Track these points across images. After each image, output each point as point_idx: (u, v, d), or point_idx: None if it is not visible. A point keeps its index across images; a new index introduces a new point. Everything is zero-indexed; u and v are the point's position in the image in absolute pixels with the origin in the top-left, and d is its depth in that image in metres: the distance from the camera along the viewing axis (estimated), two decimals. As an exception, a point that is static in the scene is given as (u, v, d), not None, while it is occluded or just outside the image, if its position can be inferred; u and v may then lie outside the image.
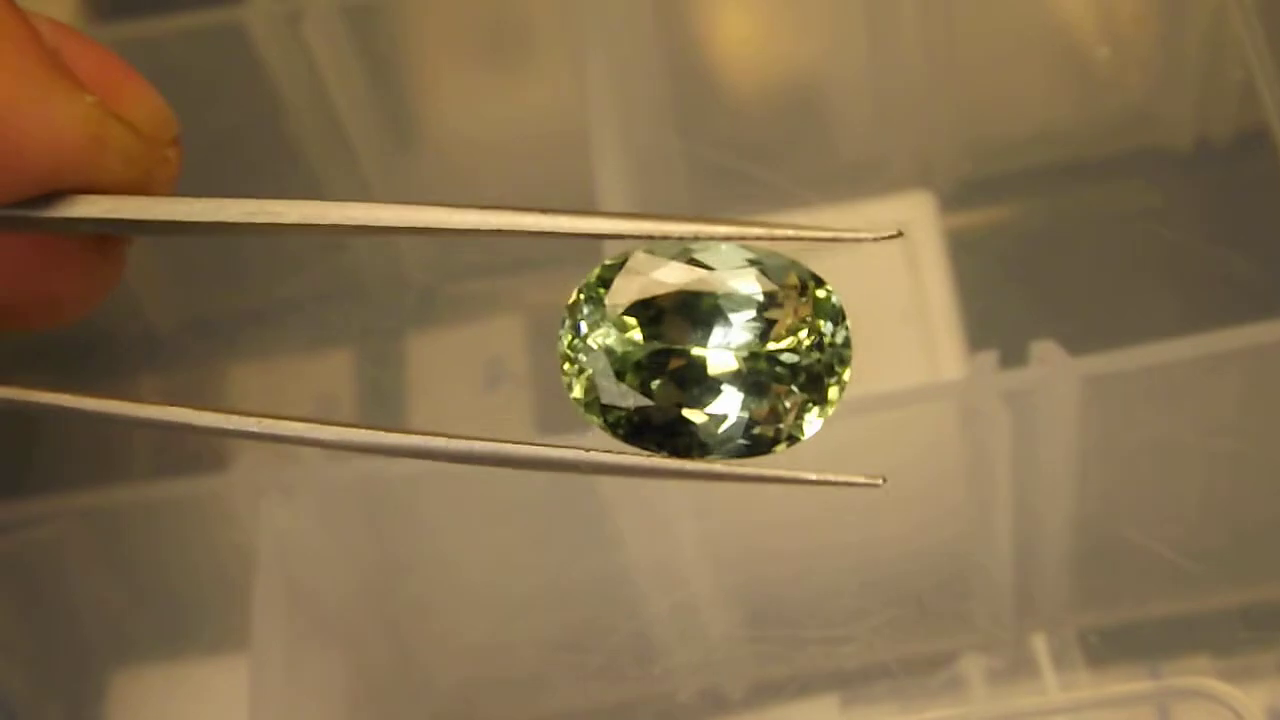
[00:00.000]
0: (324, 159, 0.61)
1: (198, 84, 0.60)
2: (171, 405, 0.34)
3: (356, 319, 0.64)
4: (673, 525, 0.50)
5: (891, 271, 0.60)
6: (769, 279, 0.27)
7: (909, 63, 0.60)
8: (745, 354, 0.27)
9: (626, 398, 0.28)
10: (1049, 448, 0.48)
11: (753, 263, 0.28)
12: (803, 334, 0.27)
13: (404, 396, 0.63)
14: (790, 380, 0.28)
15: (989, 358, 0.47)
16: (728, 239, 0.27)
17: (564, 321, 0.28)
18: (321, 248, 0.63)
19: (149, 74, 0.60)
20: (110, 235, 0.37)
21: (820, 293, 0.27)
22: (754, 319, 0.27)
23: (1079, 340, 0.47)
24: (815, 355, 0.28)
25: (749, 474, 0.28)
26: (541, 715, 0.56)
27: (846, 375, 0.28)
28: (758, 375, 0.27)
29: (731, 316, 0.27)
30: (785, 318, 0.27)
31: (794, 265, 0.28)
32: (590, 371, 0.28)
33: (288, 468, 0.48)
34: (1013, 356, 0.47)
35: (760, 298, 0.27)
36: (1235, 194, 0.61)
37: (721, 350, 0.27)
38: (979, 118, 0.63)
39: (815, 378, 0.28)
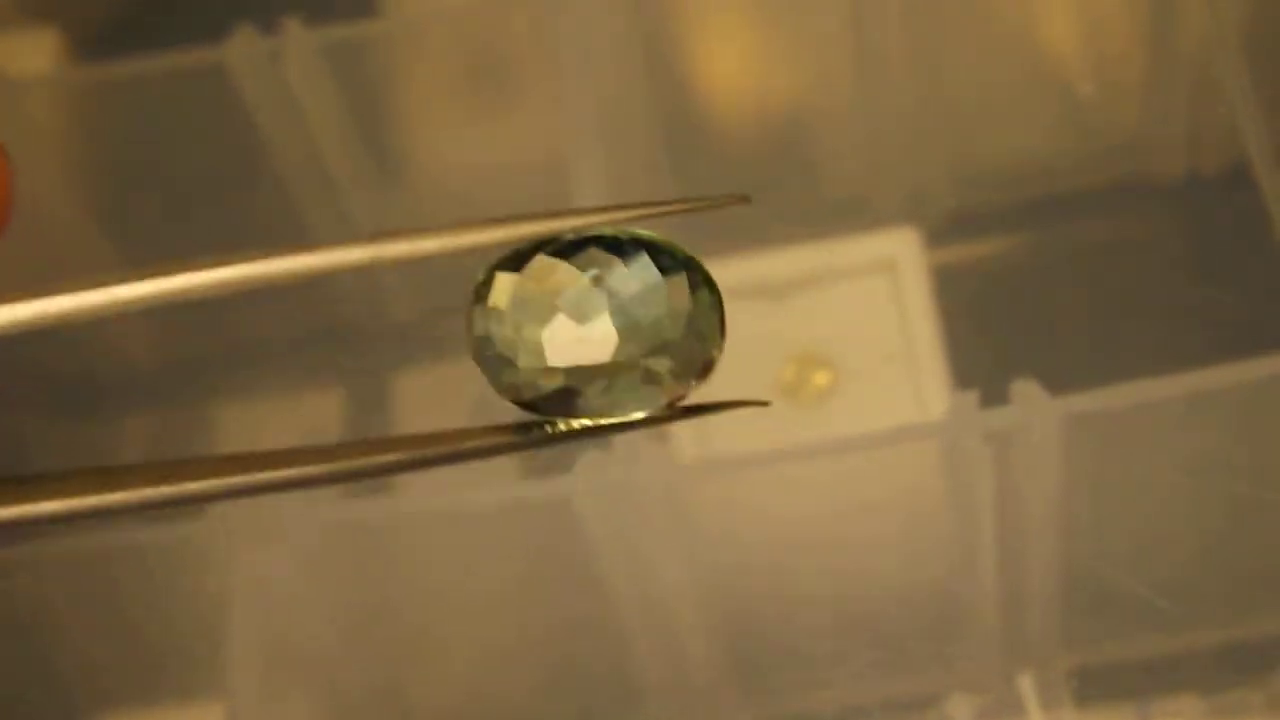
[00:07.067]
0: (306, 196, 0.61)
1: (180, 123, 0.60)
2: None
3: (341, 359, 0.64)
4: (656, 569, 0.49)
5: (877, 308, 0.60)
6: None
7: (895, 99, 0.60)
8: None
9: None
10: (1032, 488, 0.48)
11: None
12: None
13: (389, 435, 0.62)
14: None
15: (970, 398, 0.46)
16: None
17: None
18: (305, 288, 0.63)
19: (131, 113, 0.60)
20: None
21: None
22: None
23: (1063, 377, 0.47)
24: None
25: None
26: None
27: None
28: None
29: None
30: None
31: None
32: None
33: (265, 512, 0.47)
34: (995, 395, 0.47)
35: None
36: (1220, 230, 0.61)
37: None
38: (965, 153, 0.63)
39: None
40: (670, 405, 0.29)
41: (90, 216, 0.61)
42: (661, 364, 0.28)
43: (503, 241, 0.28)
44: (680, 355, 0.28)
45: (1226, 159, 0.61)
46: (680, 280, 0.28)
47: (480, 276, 0.28)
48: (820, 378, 0.59)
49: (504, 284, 0.28)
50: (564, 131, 0.54)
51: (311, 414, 0.63)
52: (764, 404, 0.30)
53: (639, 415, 0.28)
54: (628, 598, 0.50)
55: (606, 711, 0.54)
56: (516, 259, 0.28)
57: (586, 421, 0.28)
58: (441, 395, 0.62)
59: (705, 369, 0.29)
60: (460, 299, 0.64)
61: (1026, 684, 0.53)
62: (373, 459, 0.29)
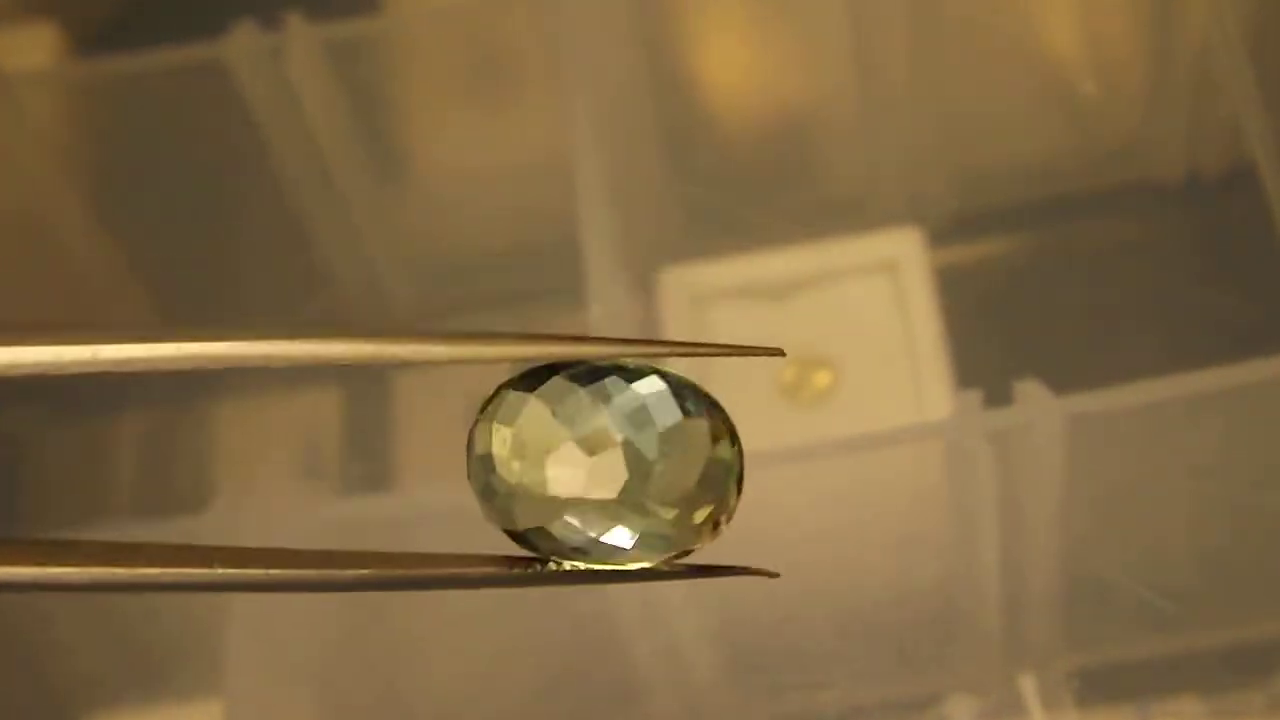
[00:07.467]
0: (307, 193, 0.61)
1: (179, 120, 0.59)
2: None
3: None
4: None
5: (879, 309, 0.60)
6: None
7: (898, 99, 0.60)
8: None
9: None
10: (1034, 488, 0.48)
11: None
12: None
13: (390, 434, 0.62)
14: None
15: (973, 397, 0.46)
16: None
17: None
18: (304, 286, 0.63)
19: (131, 109, 0.60)
20: None
21: None
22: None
23: (1066, 377, 0.46)
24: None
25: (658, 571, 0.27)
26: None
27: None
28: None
29: None
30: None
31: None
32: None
33: (262, 512, 0.47)
34: (998, 395, 0.47)
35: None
36: (1222, 231, 0.61)
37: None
38: (967, 154, 0.63)
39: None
40: (673, 560, 0.26)
41: (89, 213, 0.61)
42: (669, 513, 0.25)
43: (520, 358, 0.25)
44: (691, 507, 0.25)
45: (1228, 160, 0.60)
46: (701, 426, 0.26)
47: (490, 393, 0.26)
48: (821, 378, 0.59)
49: (513, 403, 0.25)
50: (566, 130, 0.54)
51: (310, 413, 0.63)
52: (773, 575, 0.27)
53: (637, 566, 0.26)
54: (627, 598, 0.50)
55: (604, 712, 0.54)
56: (529, 379, 0.26)
57: (580, 565, 0.26)
58: (440, 395, 0.62)
59: (715, 526, 0.26)
60: (460, 297, 0.64)
61: (1027, 685, 0.53)
62: (341, 572, 0.27)
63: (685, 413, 0.25)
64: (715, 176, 0.63)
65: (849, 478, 0.49)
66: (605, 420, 0.25)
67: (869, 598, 0.53)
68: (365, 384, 0.63)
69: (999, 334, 0.60)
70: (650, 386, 0.26)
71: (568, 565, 0.26)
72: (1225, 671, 0.52)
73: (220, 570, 0.27)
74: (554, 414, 0.25)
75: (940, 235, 0.61)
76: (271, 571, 0.27)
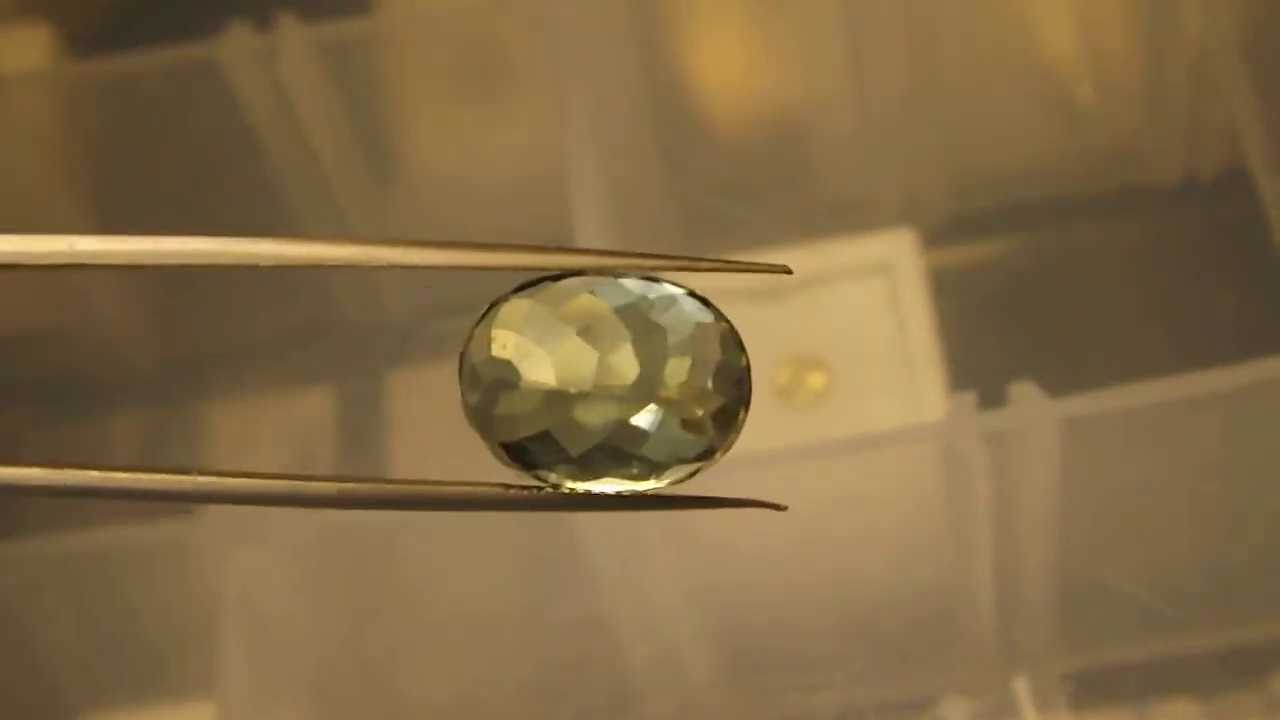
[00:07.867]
0: (301, 195, 0.61)
1: (173, 120, 0.59)
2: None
3: (335, 357, 0.63)
4: (650, 571, 0.49)
5: (874, 311, 0.60)
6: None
7: (893, 101, 0.60)
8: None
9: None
10: (1029, 490, 0.48)
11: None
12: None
13: (383, 435, 0.62)
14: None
15: (968, 399, 0.46)
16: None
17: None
18: (299, 286, 0.63)
19: (125, 109, 0.60)
20: None
21: None
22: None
23: (1061, 379, 0.46)
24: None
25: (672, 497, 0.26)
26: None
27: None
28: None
29: None
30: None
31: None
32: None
33: (257, 513, 0.47)
34: (993, 397, 0.46)
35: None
36: (1218, 234, 0.60)
37: None
38: (963, 156, 0.63)
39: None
40: (681, 479, 0.25)
41: (84, 213, 0.61)
42: (675, 418, 0.24)
43: (517, 266, 0.24)
44: (698, 418, 0.24)
45: (1225, 163, 0.60)
46: (711, 330, 0.24)
47: (485, 308, 0.24)
48: (815, 380, 0.59)
49: (512, 308, 0.24)
50: (561, 131, 0.54)
51: (304, 413, 0.63)
52: (781, 508, 0.27)
53: (636, 490, 0.25)
54: (622, 599, 0.50)
55: (599, 714, 0.54)
56: (526, 290, 0.24)
57: (579, 487, 0.25)
58: (437, 394, 0.62)
59: (711, 453, 0.25)
60: (454, 300, 0.63)
61: (1021, 687, 0.52)
62: (324, 485, 0.26)
63: (695, 317, 0.24)
64: (711, 178, 0.63)
65: (844, 479, 0.49)
66: (612, 319, 0.24)
67: (866, 599, 0.53)
68: (359, 383, 0.63)
69: (994, 336, 0.60)
70: (657, 291, 0.25)
71: (566, 487, 0.25)
72: (1222, 673, 0.52)
73: (199, 478, 0.26)
74: (558, 314, 0.24)
75: (936, 237, 0.61)
76: (250, 481, 0.26)
